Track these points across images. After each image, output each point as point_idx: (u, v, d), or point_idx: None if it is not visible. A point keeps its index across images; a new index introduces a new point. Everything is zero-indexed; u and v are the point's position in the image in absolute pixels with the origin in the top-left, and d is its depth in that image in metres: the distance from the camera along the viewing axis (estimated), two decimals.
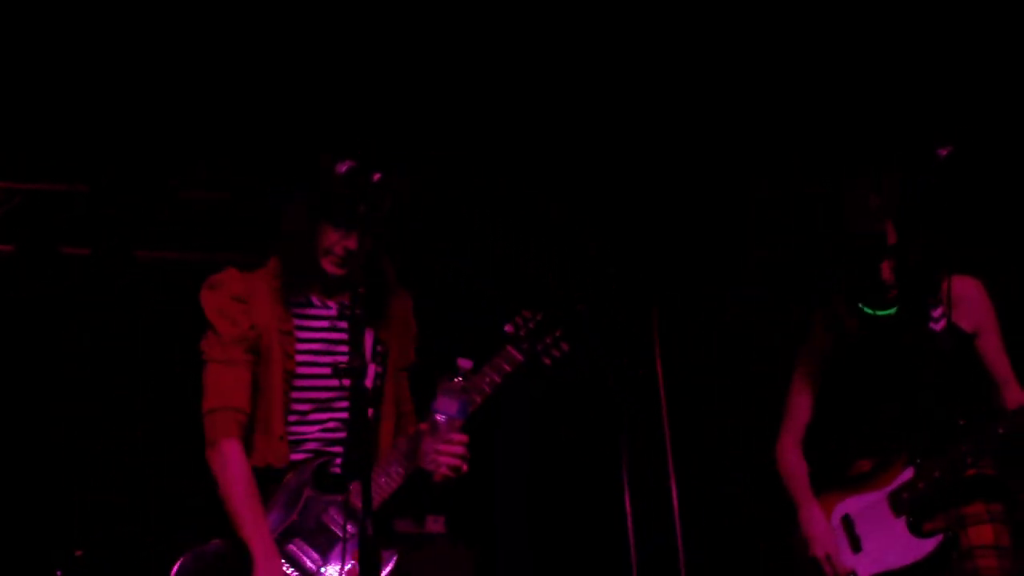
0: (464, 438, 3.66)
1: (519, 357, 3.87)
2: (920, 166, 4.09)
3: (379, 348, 3.84)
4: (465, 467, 3.67)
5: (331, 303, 3.83)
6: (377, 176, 3.49)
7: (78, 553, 5.03)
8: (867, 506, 4.25)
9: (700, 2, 5.09)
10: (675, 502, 4.91)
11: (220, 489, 3.66)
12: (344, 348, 3.73)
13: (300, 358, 3.77)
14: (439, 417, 3.61)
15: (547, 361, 3.94)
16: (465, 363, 3.63)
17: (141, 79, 5.19)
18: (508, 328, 3.91)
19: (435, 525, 3.94)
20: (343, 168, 3.49)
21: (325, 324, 3.81)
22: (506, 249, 5.59)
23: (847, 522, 4.26)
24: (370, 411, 3.75)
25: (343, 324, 3.80)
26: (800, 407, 4.47)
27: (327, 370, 3.71)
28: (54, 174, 5.38)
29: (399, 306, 3.94)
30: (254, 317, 3.75)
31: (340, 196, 3.57)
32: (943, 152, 4.00)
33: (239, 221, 5.49)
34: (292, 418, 3.75)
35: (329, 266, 3.74)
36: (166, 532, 5.25)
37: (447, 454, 3.64)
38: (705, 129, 5.53)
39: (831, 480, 4.38)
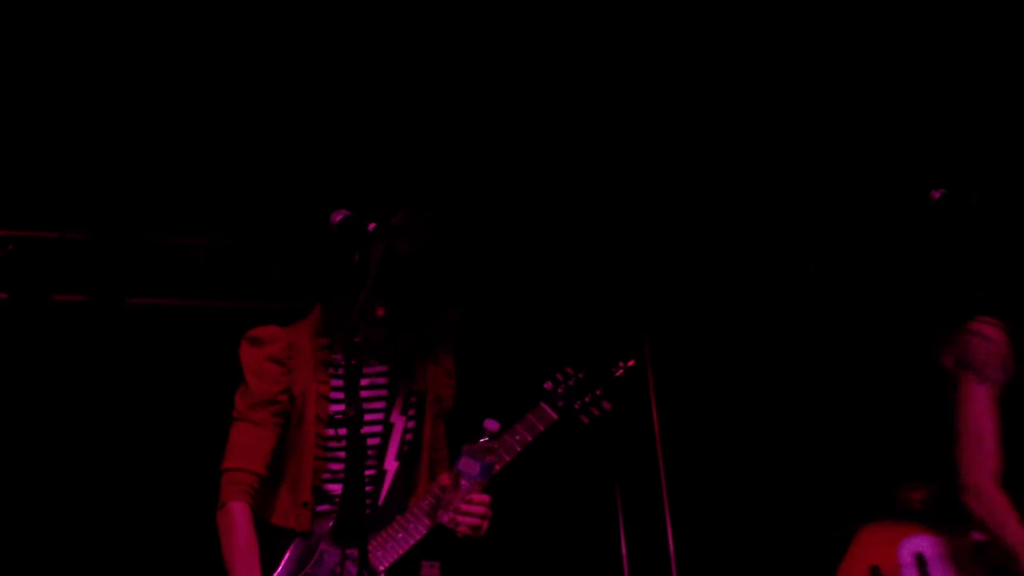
0: (485, 499, 3.68)
1: (553, 415, 3.86)
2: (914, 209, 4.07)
3: (412, 399, 3.87)
4: (485, 527, 3.69)
5: (372, 361, 3.85)
6: (372, 225, 3.52)
7: None
8: (949, 550, 3.98)
9: (697, 28, 5.11)
10: (668, 528, 4.91)
11: (222, 548, 3.71)
12: (381, 405, 3.81)
13: (336, 418, 3.78)
14: (462, 477, 3.61)
15: (585, 420, 3.92)
16: (492, 424, 3.64)
17: (135, 125, 5.22)
18: (547, 385, 3.91)
19: (431, 571, 3.93)
20: (337, 218, 3.52)
21: (364, 382, 3.82)
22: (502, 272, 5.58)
23: (920, 561, 3.98)
24: (395, 464, 3.81)
25: (382, 381, 3.83)
26: (990, 432, 3.88)
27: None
28: (47, 222, 5.38)
29: (439, 355, 3.96)
30: (293, 380, 3.77)
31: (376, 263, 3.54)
32: (936, 195, 3.95)
33: (233, 268, 5.52)
34: (325, 476, 3.78)
35: (368, 329, 3.73)
36: None
37: (467, 514, 3.66)
38: (703, 155, 5.56)
39: (895, 506, 4.19)
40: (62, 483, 5.39)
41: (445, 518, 3.68)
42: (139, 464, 5.41)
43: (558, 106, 5.34)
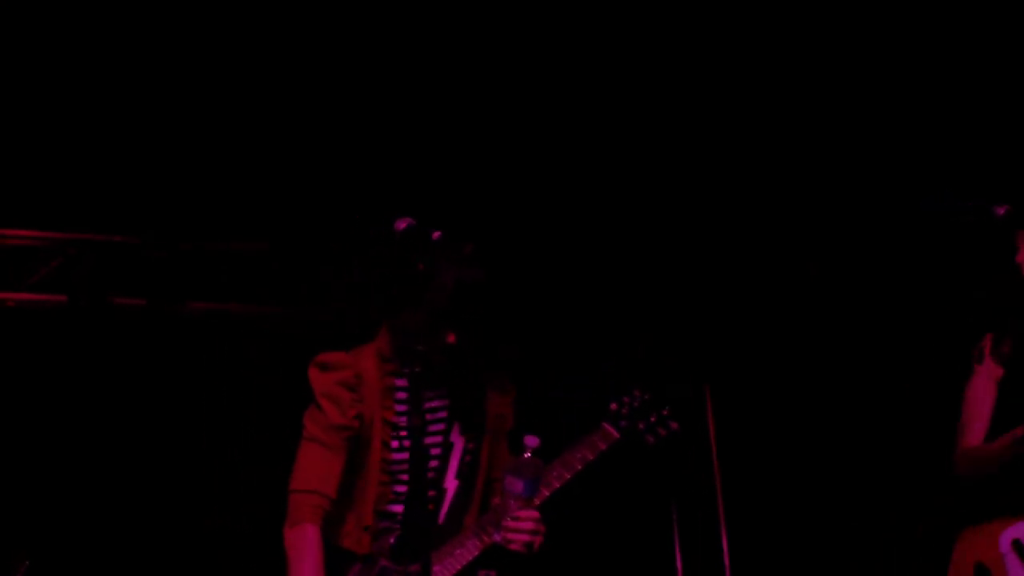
0: (533, 515, 3.67)
1: (615, 435, 3.87)
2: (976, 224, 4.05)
3: (472, 419, 3.89)
4: (538, 542, 3.67)
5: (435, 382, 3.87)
6: (437, 234, 3.53)
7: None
8: None
9: (728, 57, 5.09)
10: (725, 549, 4.87)
11: (290, 566, 3.72)
12: (441, 427, 3.84)
13: (396, 443, 3.80)
14: (508, 496, 3.63)
15: (651, 440, 3.93)
16: (532, 440, 3.62)
17: (195, 130, 5.24)
18: (612, 406, 3.91)
19: None
20: (402, 225, 3.50)
21: (426, 404, 3.84)
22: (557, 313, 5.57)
23: (1017, 546, 4.03)
24: (455, 483, 3.84)
25: (442, 402, 3.85)
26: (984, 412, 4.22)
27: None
28: (107, 225, 5.41)
29: (497, 374, 3.97)
30: (363, 406, 3.79)
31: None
32: (1000, 211, 3.98)
33: (284, 273, 5.56)
34: (390, 497, 3.79)
35: (435, 353, 3.80)
36: None
37: (515, 531, 3.65)
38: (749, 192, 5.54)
39: (1003, 508, 4.18)
40: (122, 484, 5.42)
41: (497, 537, 3.68)
42: (197, 466, 5.45)
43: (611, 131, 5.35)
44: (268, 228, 5.51)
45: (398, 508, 3.80)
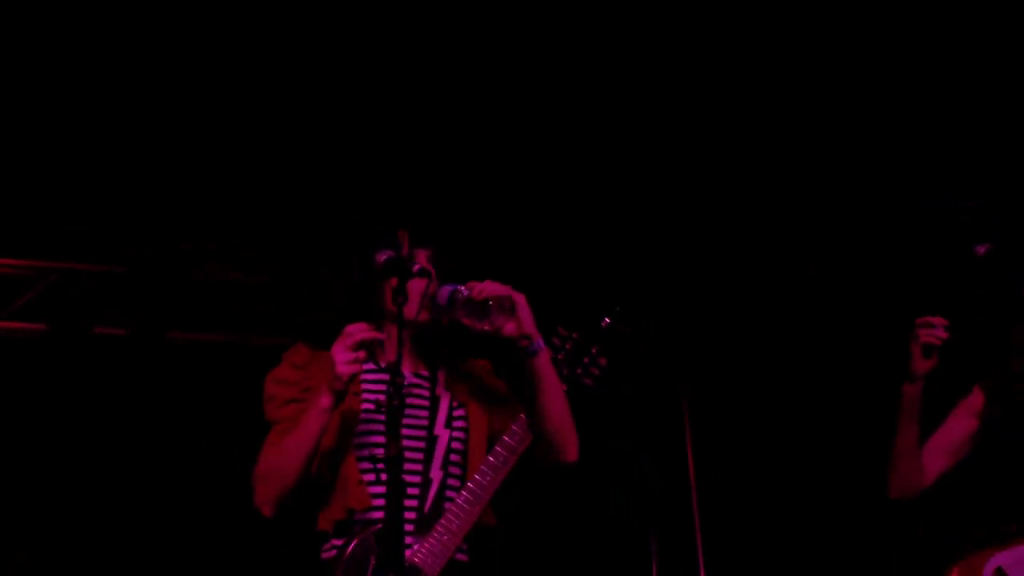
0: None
1: (563, 386, 3.73)
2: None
3: (457, 413, 3.74)
4: (505, 290, 3.52)
5: (404, 371, 3.65)
6: (417, 267, 3.49)
7: None
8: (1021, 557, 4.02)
9: (727, 52, 5.03)
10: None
11: (285, 449, 3.53)
12: (424, 414, 3.68)
13: (364, 428, 3.65)
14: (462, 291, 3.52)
15: (588, 382, 3.82)
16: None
17: (179, 160, 5.19)
18: None
19: None
20: (382, 258, 3.47)
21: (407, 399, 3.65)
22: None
23: (999, 573, 4.01)
24: (440, 474, 3.67)
25: (424, 392, 3.72)
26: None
27: None
28: (90, 254, 5.38)
29: (475, 371, 3.84)
30: (313, 381, 3.63)
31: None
32: (981, 250, 3.93)
33: (273, 304, 5.53)
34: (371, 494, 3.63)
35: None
36: None
37: (481, 287, 3.51)
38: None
39: (991, 538, 4.14)
40: (98, 515, 5.39)
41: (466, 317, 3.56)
42: (174, 497, 5.42)
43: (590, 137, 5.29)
44: (254, 258, 5.49)
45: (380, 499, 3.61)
